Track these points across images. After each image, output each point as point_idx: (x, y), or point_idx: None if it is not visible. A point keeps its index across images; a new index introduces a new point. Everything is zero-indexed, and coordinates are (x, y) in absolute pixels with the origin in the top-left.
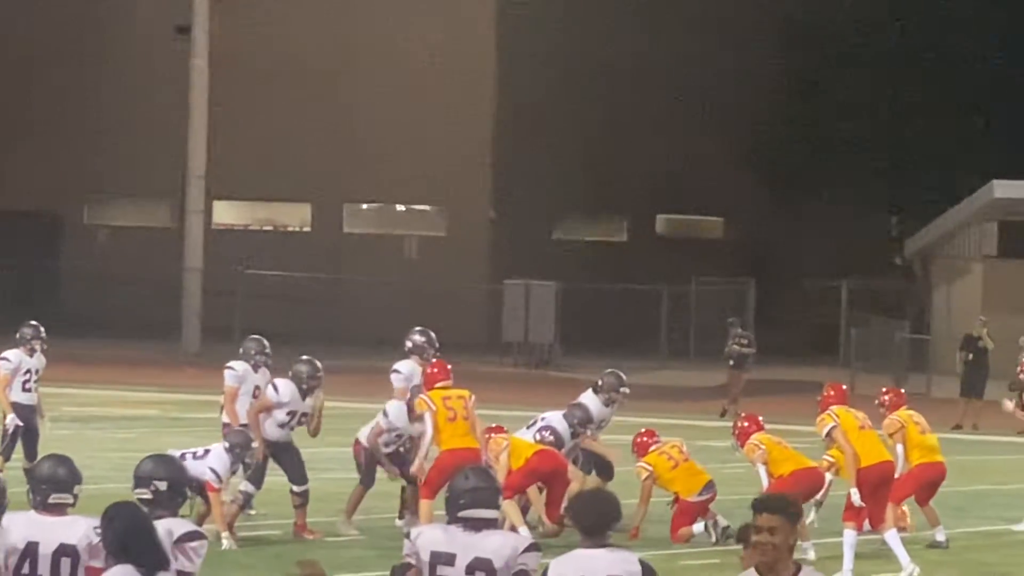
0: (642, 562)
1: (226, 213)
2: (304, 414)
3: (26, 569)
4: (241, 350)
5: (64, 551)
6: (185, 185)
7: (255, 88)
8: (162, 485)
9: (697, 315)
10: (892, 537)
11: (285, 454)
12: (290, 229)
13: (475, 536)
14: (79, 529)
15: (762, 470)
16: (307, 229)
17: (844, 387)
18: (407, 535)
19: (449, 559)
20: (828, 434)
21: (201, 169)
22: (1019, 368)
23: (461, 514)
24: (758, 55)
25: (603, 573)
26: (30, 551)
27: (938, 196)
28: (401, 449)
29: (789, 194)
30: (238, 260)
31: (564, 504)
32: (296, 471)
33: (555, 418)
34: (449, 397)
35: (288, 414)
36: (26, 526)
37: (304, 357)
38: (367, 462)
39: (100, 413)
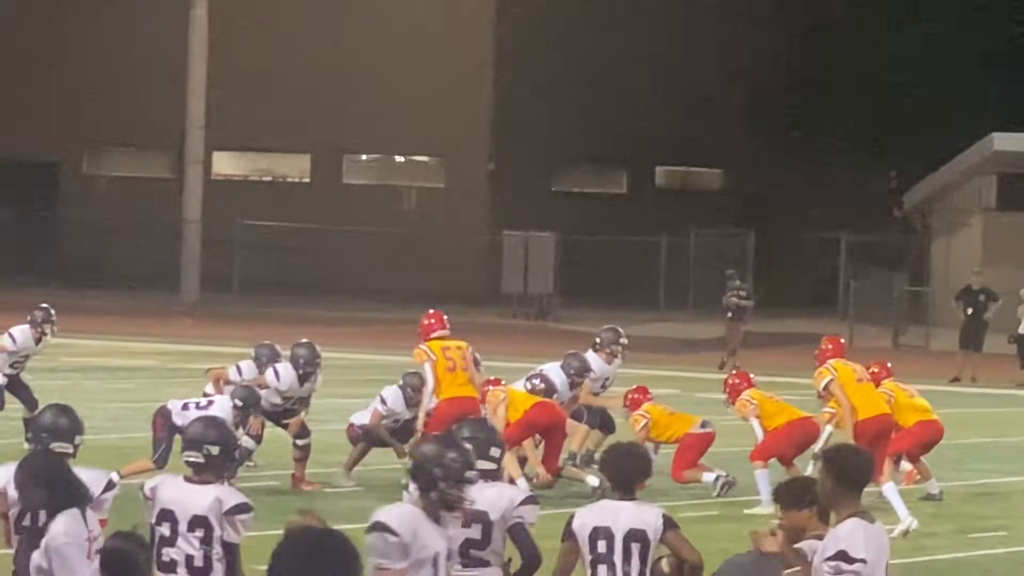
0: (665, 516)
1: (225, 164)
2: (301, 399)
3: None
4: (253, 353)
5: None
6: (184, 135)
7: (255, 38)
8: (214, 449)
9: (696, 267)
10: (890, 490)
11: (281, 416)
12: (289, 180)
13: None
14: None
15: (755, 424)
16: (306, 180)
17: (842, 340)
18: (405, 488)
19: None
20: (826, 387)
21: (200, 119)
22: None
23: None
24: (758, 8)
25: (625, 525)
26: None
27: (938, 149)
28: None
29: (788, 146)
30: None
31: (563, 456)
32: (302, 427)
33: (552, 369)
34: (448, 347)
35: (283, 399)
36: None
37: (304, 340)
38: (366, 436)
39: (98, 363)
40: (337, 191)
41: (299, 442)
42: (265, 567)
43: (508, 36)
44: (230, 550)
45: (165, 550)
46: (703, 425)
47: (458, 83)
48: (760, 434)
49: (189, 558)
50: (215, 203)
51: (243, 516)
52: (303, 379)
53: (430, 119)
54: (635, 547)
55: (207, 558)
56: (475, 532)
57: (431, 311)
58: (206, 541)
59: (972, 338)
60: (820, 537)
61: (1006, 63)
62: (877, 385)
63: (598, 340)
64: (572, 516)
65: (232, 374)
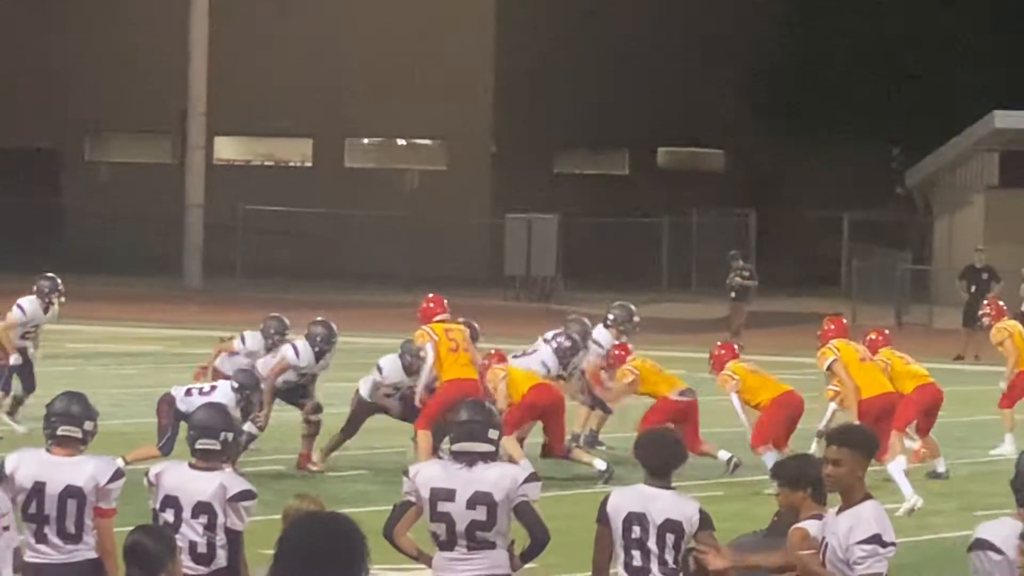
0: (702, 510)
1: (227, 148)
2: (313, 375)
3: (33, 508)
4: (262, 326)
5: (70, 492)
6: (186, 121)
7: (255, 23)
8: (230, 436)
9: (698, 247)
10: (895, 468)
11: (295, 393)
12: (291, 164)
13: (473, 470)
14: (86, 470)
15: (735, 398)
16: (308, 164)
17: (844, 320)
18: (406, 473)
19: (449, 495)
20: (829, 367)
21: (202, 105)
22: None
23: (453, 448)
24: None
25: (662, 514)
26: (37, 491)
27: (939, 126)
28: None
29: (790, 126)
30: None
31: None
32: (314, 402)
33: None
34: (450, 329)
35: (299, 375)
36: (35, 466)
37: (320, 318)
38: (356, 411)
39: (102, 349)
40: (339, 175)
41: (312, 417)
42: (271, 551)
43: (509, 18)
44: (233, 537)
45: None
46: (685, 392)
47: (460, 65)
48: (739, 408)
49: (193, 544)
50: (217, 188)
51: (247, 503)
52: (319, 356)
53: (432, 102)
54: (670, 537)
55: (211, 545)
56: (480, 513)
57: (431, 295)
58: (210, 527)
59: (975, 316)
60: (818, 517)
61: (1008, 40)
62: (874, 352)
63: (611, 317)
64: (607, 497)
65: (236, 344)
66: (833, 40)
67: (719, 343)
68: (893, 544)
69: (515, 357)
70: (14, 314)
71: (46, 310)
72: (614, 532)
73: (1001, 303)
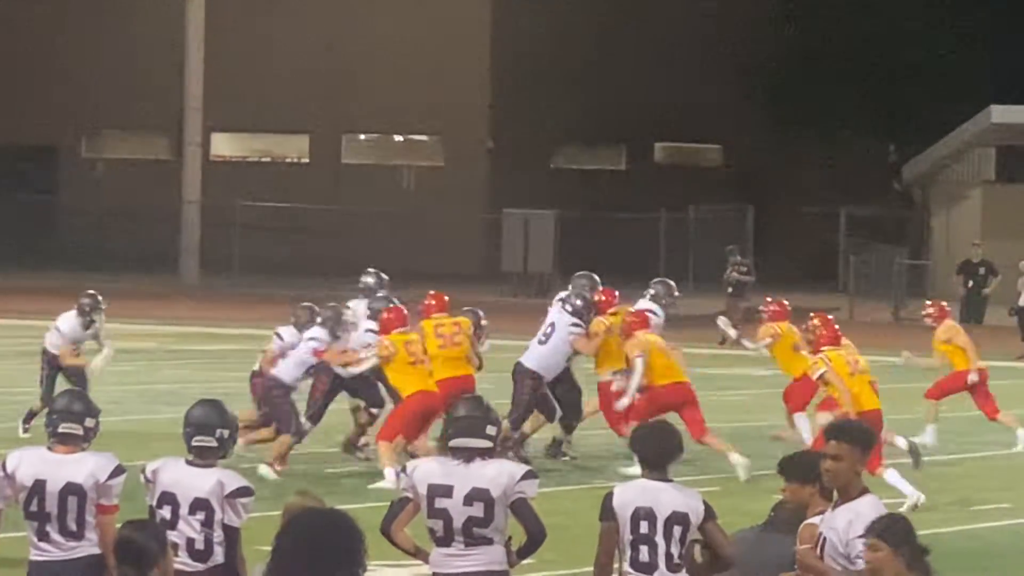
0: (706, 503)
1: (224, 145)
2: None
3: (34, 506)
4: (293, 319)
5: (71, 489)
6: (183, 117)
7: (252, 19)
8: (226, 433)
9: (695, 243)
10: (892, 476)
11: (363, 380)
12: (288, 160)
13: (470, 466)
14: (86, 467)
15: (639, 364)
16: (305, 160)
17: (836, 325)
18: (403, 469)
19: (446, 491)
20: (820, 377)
21: (199, 101)
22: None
23: (450, 444)
24: None
25: (668, 508)
26: (38, 489)
27: (936, 122)
28: None
29: (787, 121)
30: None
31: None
32: (375, 394)
33: (556, 308)
34: (411, 342)
35: (367, 331)
36: (36, 464)
37: (371, 269)
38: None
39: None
40: (336, 171)
41: (374, 410)
42: (269, 548)
43: (505, 14)
44: (231, 533)
45: (166, 533)
46: (622, 372)
47: (456, 62)
48: (637, 374)
49: (190, 541)
50: (214, 185)
51: (245, 499)
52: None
53: (428, 98)
54: (677, 530)
55: (208, 541)
56: (477, 510)
57: (390, 306)
58: (207, 524)
59: (972, 311)
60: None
61: (1004, 36)
62: (818, 349)
63: (652, 292)
64: (610, 494)
65: (275, 343)
66: (830, 36)
67: (631, 310)
68: None
69: (540, 343)
70: (51, 336)
71: (87, 327)
72: (621, 528)
73: (944, 304)
